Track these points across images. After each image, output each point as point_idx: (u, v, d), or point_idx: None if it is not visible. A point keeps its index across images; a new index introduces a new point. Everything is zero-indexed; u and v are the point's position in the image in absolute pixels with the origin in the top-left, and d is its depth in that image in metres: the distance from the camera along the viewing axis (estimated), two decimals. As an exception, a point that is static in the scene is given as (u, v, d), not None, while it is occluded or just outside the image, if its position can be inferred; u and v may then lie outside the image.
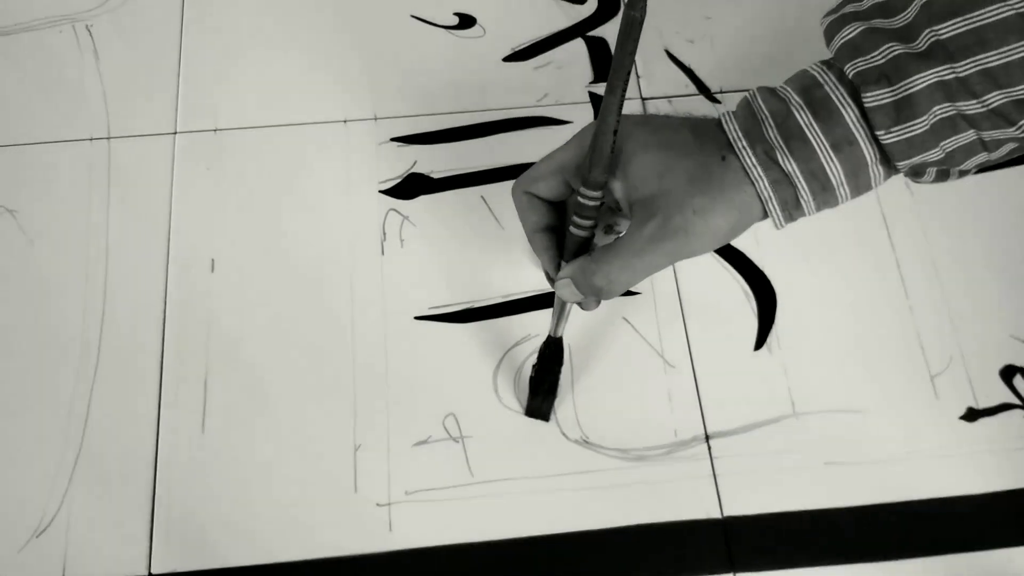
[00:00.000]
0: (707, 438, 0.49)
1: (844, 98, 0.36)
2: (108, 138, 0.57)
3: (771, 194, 0.38)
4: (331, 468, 0.48)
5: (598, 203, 0.40)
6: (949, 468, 0.48)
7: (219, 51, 0.60)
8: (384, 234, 0.54)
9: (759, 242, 0.54)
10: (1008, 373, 0.51)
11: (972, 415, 0.50)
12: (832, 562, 0.46)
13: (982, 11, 0.33)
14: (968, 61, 0.33)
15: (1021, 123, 0.34)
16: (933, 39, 0.34)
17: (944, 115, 0.35)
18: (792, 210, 0.38)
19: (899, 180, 0.55)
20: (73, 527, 0.47)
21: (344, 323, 0.52)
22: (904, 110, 0.35)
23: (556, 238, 0.44)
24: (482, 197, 0.55)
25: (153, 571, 0.46)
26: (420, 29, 0.61)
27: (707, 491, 0.48)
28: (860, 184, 0.38)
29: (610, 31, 0.60)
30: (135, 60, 0.59)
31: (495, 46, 0.60)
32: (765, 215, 0.39)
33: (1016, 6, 0.32)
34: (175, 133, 0.57)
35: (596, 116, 0.57)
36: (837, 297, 0.53)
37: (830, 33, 0.38)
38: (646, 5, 0.33)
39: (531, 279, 0.53)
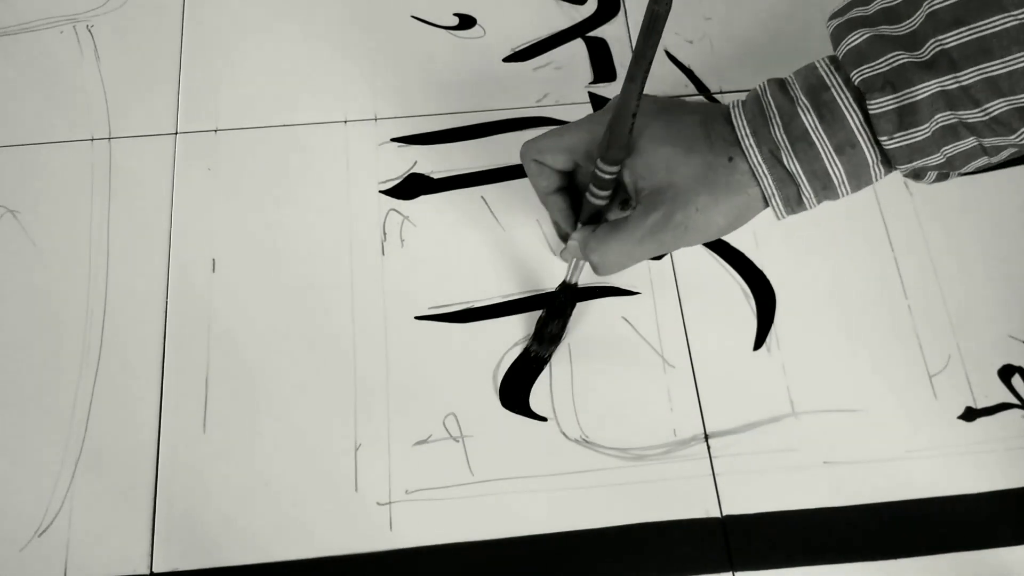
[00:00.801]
0: (706, 437, 0.49)
1: (849, 102, 0.37)
2: (109, 138, 0.57)
3: (775, 191, 0.39)
4: (331, 467, 0.48)
5: (613, 177, 0.42)
6: (947, 467, 0.49)
7: (220, 51, 0.60)
8: (384, 234, 0.54)
9: (758, 242, 0.54)
10: (1007, 373, 0.51)
11: (971, 415, 0.50)
12: (831, 561, 0.47)
13: (985, 21, 0.33)
14: (972, 69, 0.34)
15: (1021, 131, 0.35)
16: (938, 48, 0.35)
17: (945, 123, 0.36)
18: (794, 205, 0.40)
19: (899, 180, 0.55)
20: (75, 526, 0.47)
21: (344, 323, 0.52)
22: (907, 117, 0.36)
23: (569, 198, 0.46)
24: (482, 197, 0.55)
25: (155, 570, 0.46)
26: (420, 29, 0.61)
27: (706, 490, 0.48)
28: (861, 182, 0.39)
29: (610, 32, 0.60)
30: (136, 60, 0.59)
31: (495, 46, 0.60)
32: (766, 206, 0.41)
33: (1019, 16, 0.33)
34: (176, 133, 0.57)
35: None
36: (836, 297, 0.53)
37: (837, 37, 0.38)
38: (671, 1, 0.34)
39: (531, 279, 0.53)
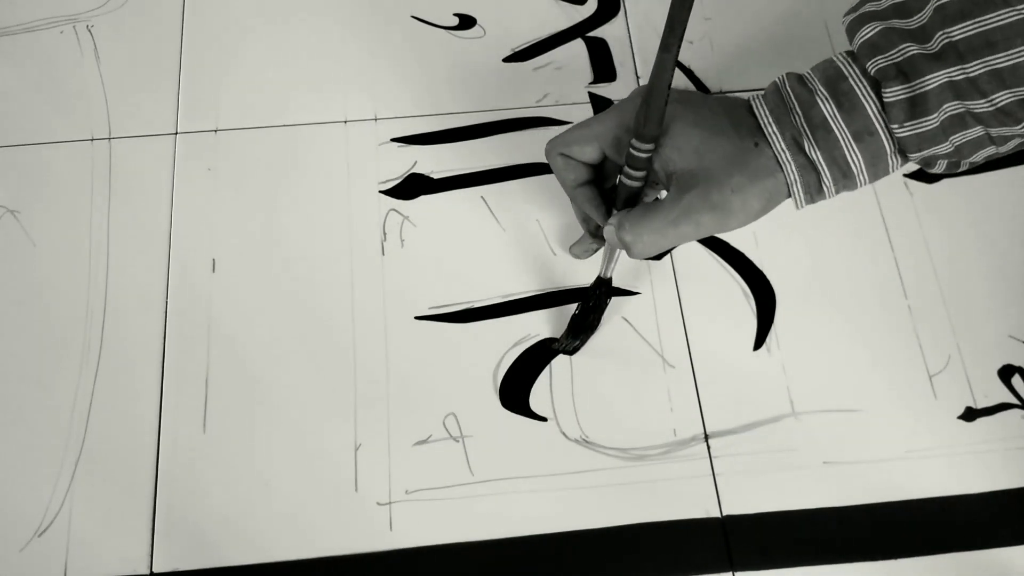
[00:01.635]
0: (706, 437, 0.49)
1: (867, 91, 0.38)
2: (109, 138, 0.57)
3: (797, 178, 0.40)
4: (332, 467, 0.48)
5: (649, 155, 0.42)
6: (947, 468, 0.49)
7: (220, 51, 0.60)
8: (384, 234, 0.54)
9: (758, 242, 0.54)
10: (1006, 373, 0.51)
11: (970, 415, 0.50)
12: (831, 561, 0.47)
13: (990, 15, 0.34)
14: (978, 62, 0.35)
15: None
16: (946, 41, 0.36)
17: (953, 112, 0.37)
18: (814, 194, 0.40)
19: (899, 180, 0.55)
20: (75, 526, 0.47)
21: (344, 323, 0.52)
22: (917, 106, 0.37)
23: (597, 189, 0.46)
24: (482, 197, 0.55)
25: (155, 570, 0.46)
26: (420, 29, 0.61)
27: (706, 490, 0.48)
28: (879, 171, 0.40)
29: (610, 32, 0.60)
30: (136, 60, 0.59)
31: (495, 46, 0.60)
32: (789, 196, 0.41)
33: (1021, 10, 0.34)
34: (176, 133, 0.57)
35: (593, 113, 0.57)
36: (836, 297, 0.53)
37: (851, 31, 0.39)
38: None
39: (531, 279, 0.53)
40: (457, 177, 0.56)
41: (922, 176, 0.55)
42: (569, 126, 0.46)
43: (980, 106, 0.36)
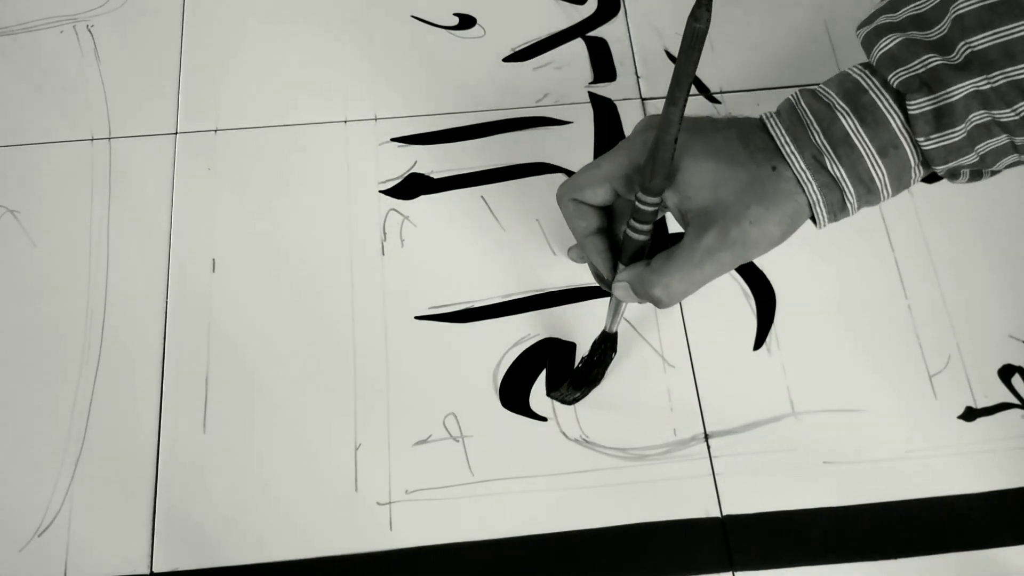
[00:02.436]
0: (706, 437, 0.49)
1: (890, 104, 0.37)
2: (109, 138, 0.57)
3: (819, 197, 0.38)
4: (332, 467, 0.48)
5: (656, 208, 0.40)
6: (947, 467, 0.49)
7: (220, 51, 0.60)
8: (384, 234, 0.54)
9: (758, 242, 0.54)
10: (1006, 373, 0.51)
11: (970, 414, 0.50)
12: (831, 561, 0.47)
13: (1008, 26, 0.34)
14: (997, 73, 0.35)
15: None
16: (968, 51, 0.35)
17: (980, 121, 0.36)
18: (837, 212, 0.39)
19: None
20: (75, 526, 0.47)
21: (345, 323, 0.52)
22: (944, 118, 0.36)
23: (608, 240, 0.44)
24: (482, 197, 0.55)
25: (155, 570, 0.46)
26: (420, 29, 0.61)
27: (706, 490, 0.48)
28: (902, 184, 0.39)
29: (610, 32, 0.60)
30: (136, 60, 0.59)
31: (495, 46, 0.60)
32: (811, 216, 0.40)
33: None
34: (176, 133, 0.57)
35: (595, 116, 0.57)
36: (836, 297, 0.53)
37: (868, 43, 0.38)
38: (710, 16, 0.33)
39: (531, 279, 0.53)
40: (457, 177, 0.56)
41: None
42: (579, 170, 0.44)
43: (1006, 115, 0.35)
